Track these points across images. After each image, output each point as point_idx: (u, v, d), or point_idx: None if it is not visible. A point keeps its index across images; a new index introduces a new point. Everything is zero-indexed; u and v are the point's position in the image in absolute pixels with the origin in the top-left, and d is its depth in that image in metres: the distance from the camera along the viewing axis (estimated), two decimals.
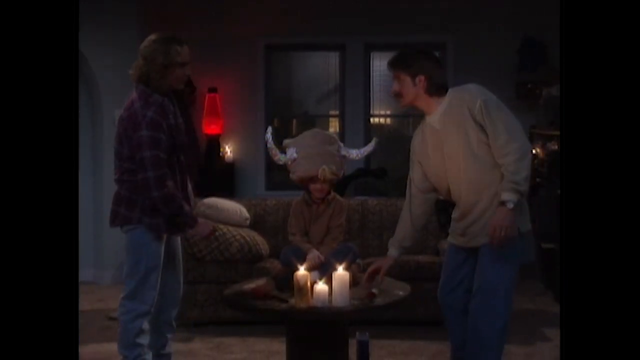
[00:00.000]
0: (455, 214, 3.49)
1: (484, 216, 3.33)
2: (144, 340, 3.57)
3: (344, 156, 4.14)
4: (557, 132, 6.06)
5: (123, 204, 3.56)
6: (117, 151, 3.57)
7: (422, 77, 3.36)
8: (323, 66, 8.01)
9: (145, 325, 3.57)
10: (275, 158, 4.17)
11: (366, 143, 7.76)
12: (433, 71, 3.40)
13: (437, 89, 3.39)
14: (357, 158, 4.26)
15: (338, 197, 4.16)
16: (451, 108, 3.34)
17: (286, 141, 4.23)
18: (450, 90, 3.40)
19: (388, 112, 8.22)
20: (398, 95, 3.45)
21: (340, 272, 3.39)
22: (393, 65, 3.44)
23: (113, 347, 4.54)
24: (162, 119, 3.42)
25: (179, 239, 3.82)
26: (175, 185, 3.53)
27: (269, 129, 4.34)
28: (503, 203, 3.20)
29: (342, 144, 4.16)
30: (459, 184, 3.39)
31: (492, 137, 3.23)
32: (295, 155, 4.06)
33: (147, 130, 3.36)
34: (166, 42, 3.43)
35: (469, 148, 3.29)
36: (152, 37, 3.47)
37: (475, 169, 3.31)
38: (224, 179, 7.38)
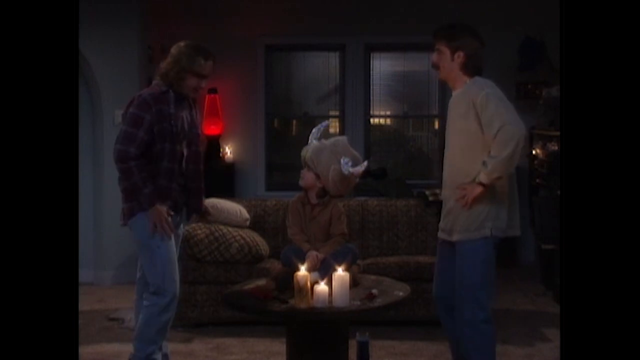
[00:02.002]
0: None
1: (453, 212, 3.44)
2: (161, 339, 3.61)
3: (341, 172, 3.90)
4: (557, 133, 6.06)
5: (124, 199, 3.64)
6: None
7: (461, 54, 3.40)
8: (323, 66, 8.00)
9: (168, 324, 3.63)
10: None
11: (366, 143, 7.83)
12: (474, 50, 3.41)
13: (472, 69, 3.43)
14: (345, 173, 3.91)
15: (336, 202, 4.14)
16: (464, 94, 3.41)
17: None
18: (475, 77, 3.43)
19: (388, 113, 8.22)
20: (436, 67, 3.50)
21: (341, 273, 3.39)
22: (437, 36, 3.46)
23: (113, 347, 4.56)
24: (153, 102, 3.55)
25: (179, 239, 3.83)
26: (172, 173, 3.60)
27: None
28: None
29: (348, 162, 3.90)
30: (446, 168, 3.50)
31: (488, 125, 3.28)
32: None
33: (135, 108, 3.55)
34: (194, 49, 3.63)
35: (462, 138, 3.39)
36: (186, 42, 3.68)
37: (460, 161, 3.40)
38: (224, 180, 7.38)
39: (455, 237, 3.44)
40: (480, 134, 3.33)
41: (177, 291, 3.63)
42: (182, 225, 3.93)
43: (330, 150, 3.92)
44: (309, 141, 4.02)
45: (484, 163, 3.29)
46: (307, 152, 3.98)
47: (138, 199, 3.55)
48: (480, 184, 3.30)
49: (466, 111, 3.35)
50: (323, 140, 4.01)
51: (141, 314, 3.64)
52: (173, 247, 3.65)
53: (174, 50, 3.65)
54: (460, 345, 3.49)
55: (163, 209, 3.58)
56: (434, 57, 3.47)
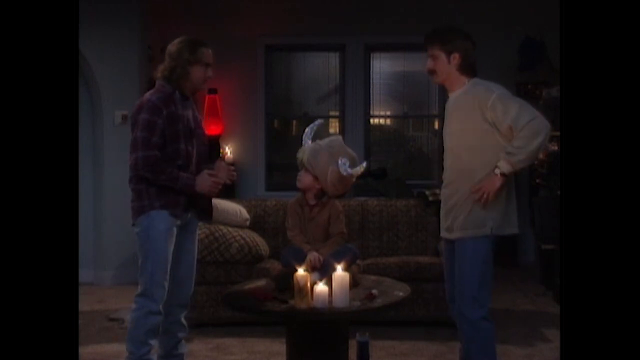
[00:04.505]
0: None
1: (455, 209, 3.43)
2: (153, 340, 3.59)
3: (339, 173, 3.89)
4: (557, 133, 6.05)
5: (134, 198, 3.64)
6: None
7: (457, 55, 3.41)
8: (323, 66, 8.01)
9: (157, 325, 3.60)
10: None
11: (366, 143, 7.84)
12: (467, 50, 3.43)
13: (469, 70, 3.44)
14: (344, 174, 3.90)
15: (335, 201, 4.13)
16: (466, 95, 3.41)
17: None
18: (475, 79, 3.44)
19: (388, 113, 8.23)
20: (432, 73, 3.50)
21: (340, 273, 3.39)
22: (429, 41, 3.47)
23: (113, 347, 4.56)
24: (163, 106, 3.56)
25: (196, 239, 3.81)
26: (185, 172, 3.60)
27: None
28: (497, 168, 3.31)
29: (346, 162, 3.88)
30: (447, 167, 3.49)
31: (513, 121, 3.27)
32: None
33: (146, 114, 3.54)
34: (192, 42, 3.69)
35: (468, 138, 3.38)
36: (180, 39, 3.70)
37: (462, 161, 3.40)
38: None
39: (455, 235, 3.44)
40: (489, 134, 3.31)
41: (164, 298, 3.59)
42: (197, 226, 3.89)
43: (327, 151, 3.91)
44: (303, 142, 4.02)
45: (508, 153, 3.27)
46: (303, 154, 3.97)
47: (182, 184, 3.57)
48: (502, 174, 3.29)
49: (471, 112, 3.33)
50: (318, 141, 4.01)
51: (130, 316, 3.65)
52: (169, 254, 3.61)
53: (171, 49, 3.66)
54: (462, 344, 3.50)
55: (203, 175, 3.64)
56: (429, 63, 3.47)
